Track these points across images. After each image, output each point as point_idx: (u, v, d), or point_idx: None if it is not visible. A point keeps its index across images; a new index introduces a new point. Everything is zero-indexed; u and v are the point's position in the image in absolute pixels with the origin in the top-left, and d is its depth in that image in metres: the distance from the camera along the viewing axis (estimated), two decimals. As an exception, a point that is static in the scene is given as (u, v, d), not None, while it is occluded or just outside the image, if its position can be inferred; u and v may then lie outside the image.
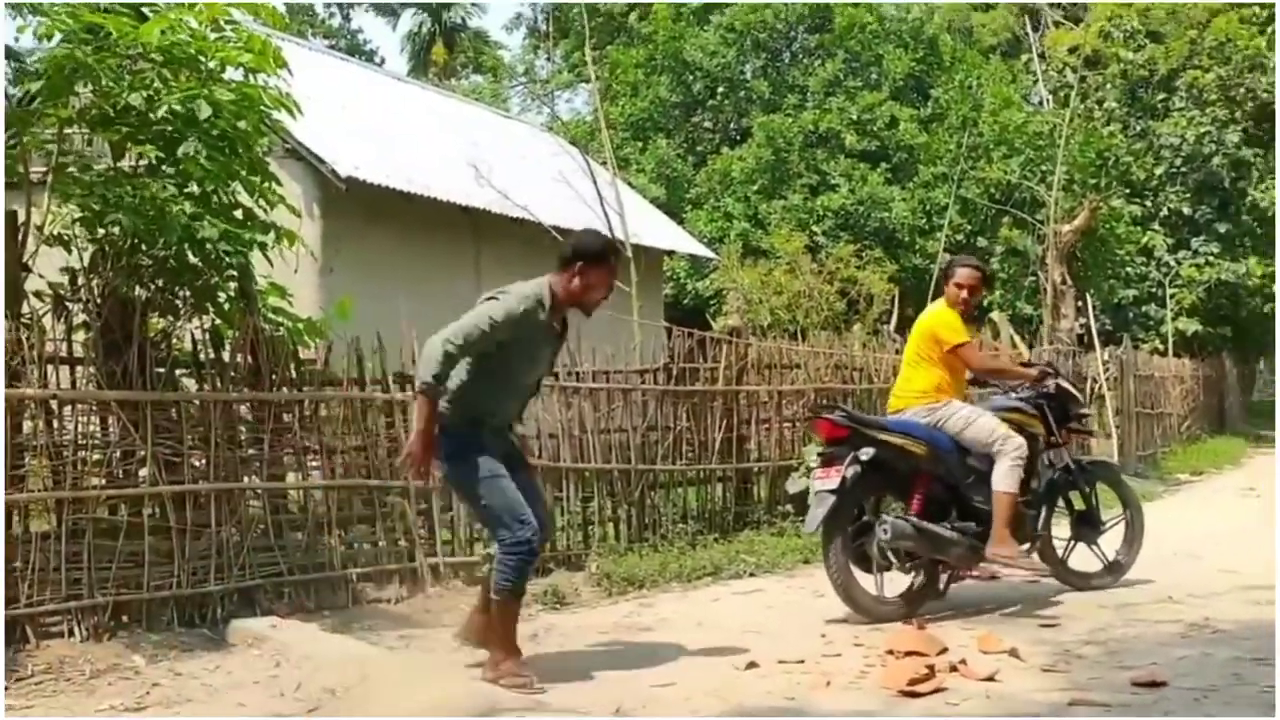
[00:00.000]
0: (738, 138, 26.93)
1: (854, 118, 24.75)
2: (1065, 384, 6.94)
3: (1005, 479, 6.18)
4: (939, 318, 6.51)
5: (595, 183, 10.31)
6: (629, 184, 21.29)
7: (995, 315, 17.23)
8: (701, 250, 20.29)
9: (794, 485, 9.02)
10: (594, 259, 4.85)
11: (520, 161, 15.80)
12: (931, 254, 21.68)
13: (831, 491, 5.95)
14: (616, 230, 10.18)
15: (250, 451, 6.18)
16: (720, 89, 26.54)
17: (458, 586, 6.79)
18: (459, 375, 4.71)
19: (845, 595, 6.01)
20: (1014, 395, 6.75)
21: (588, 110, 28.94)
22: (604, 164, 14.50)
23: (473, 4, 38.05)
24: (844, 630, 5.81)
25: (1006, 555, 6.18)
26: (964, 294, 6.52)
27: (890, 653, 5.05)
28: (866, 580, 6.09)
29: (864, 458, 5.98)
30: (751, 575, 7.63)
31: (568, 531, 7.59)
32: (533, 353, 4.87)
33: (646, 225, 16.95)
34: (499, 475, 4.71)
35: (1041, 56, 23.75)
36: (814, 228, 23.13)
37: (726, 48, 26.09)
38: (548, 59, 30.66)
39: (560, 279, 4.84)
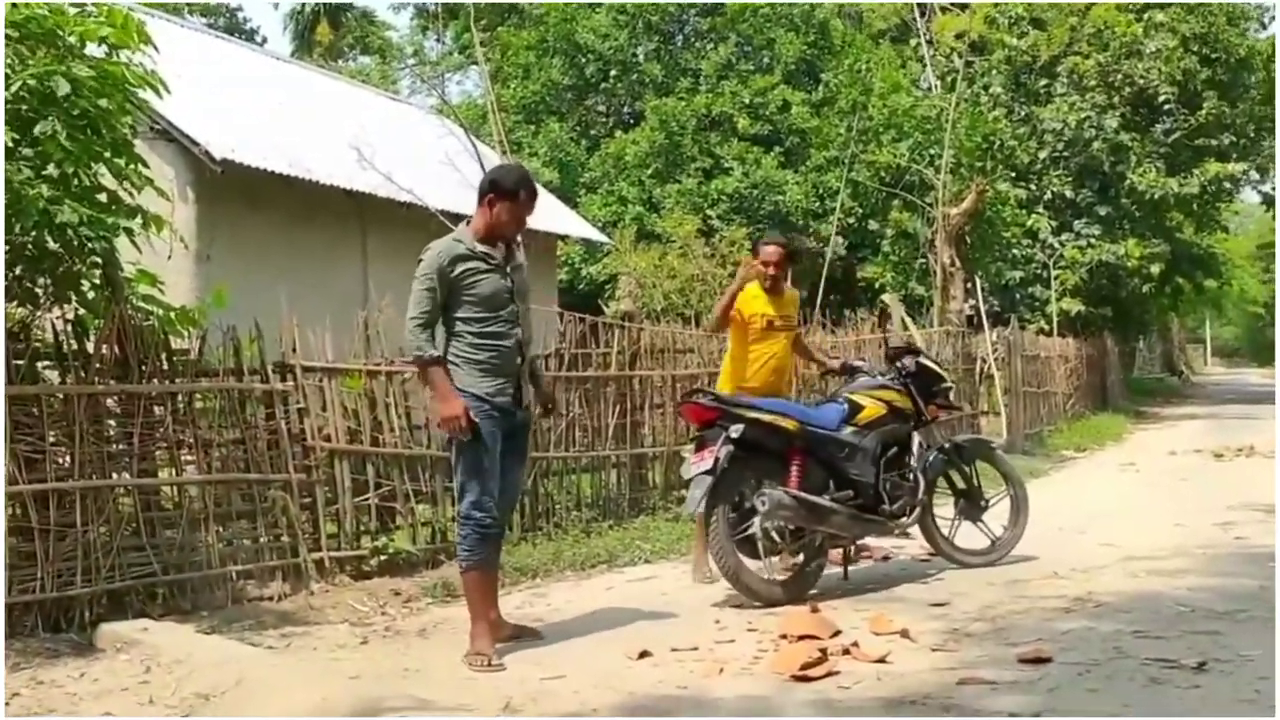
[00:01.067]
0: (631, 121, 26.85)
1: (746, 101, 24.83)
2: (927, 361, 7.05)
3: None
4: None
5: (482, 165, 10.10)
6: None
7: (887, 296, 17.46)
8: (595, 235, 20.17)
9: (689, 470, 9.02)
10: (505, 192, 5.12)
11: (408, 145, 15.48)
12: (825, 237, 21.88)
13: (707, 473, 5.93)
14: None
15: (119, 447, 5.89)
16: (613, 72, 26.40)
17: (344, 582, 6.61)
18: (455, 346, 5.08)
19: (733, 579, 5.99)
20: (880, 376, 6.86)
21: (479, 93, 28.58)
22: (495, 147, 14.29)
23: (359, -18, 37.25)
24: (738, 615, 5.78)
25: None
26: (769, 270, 6.77)
27: (783, 637, 5.04)
28: (756, 565, 6.07)
29: (734, 435, 5.99)
30: (646, 562, 7.57)
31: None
32: (485, 289, 5.06)
33: (539, 209, 16.74)
34: (485, 452, 5.06)
35: (929, 42, 24.11)
36: (708, 211, 23.16)
37: (619, 30, 25.96)
38: (437, 40, 30.17)
39: (478, 214, 5.16)
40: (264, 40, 35.70)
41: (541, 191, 20.19)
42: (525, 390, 5.30)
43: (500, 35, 26.58)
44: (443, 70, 27.65)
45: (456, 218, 10.63)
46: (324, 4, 36.14)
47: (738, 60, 25.71)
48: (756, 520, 6.02)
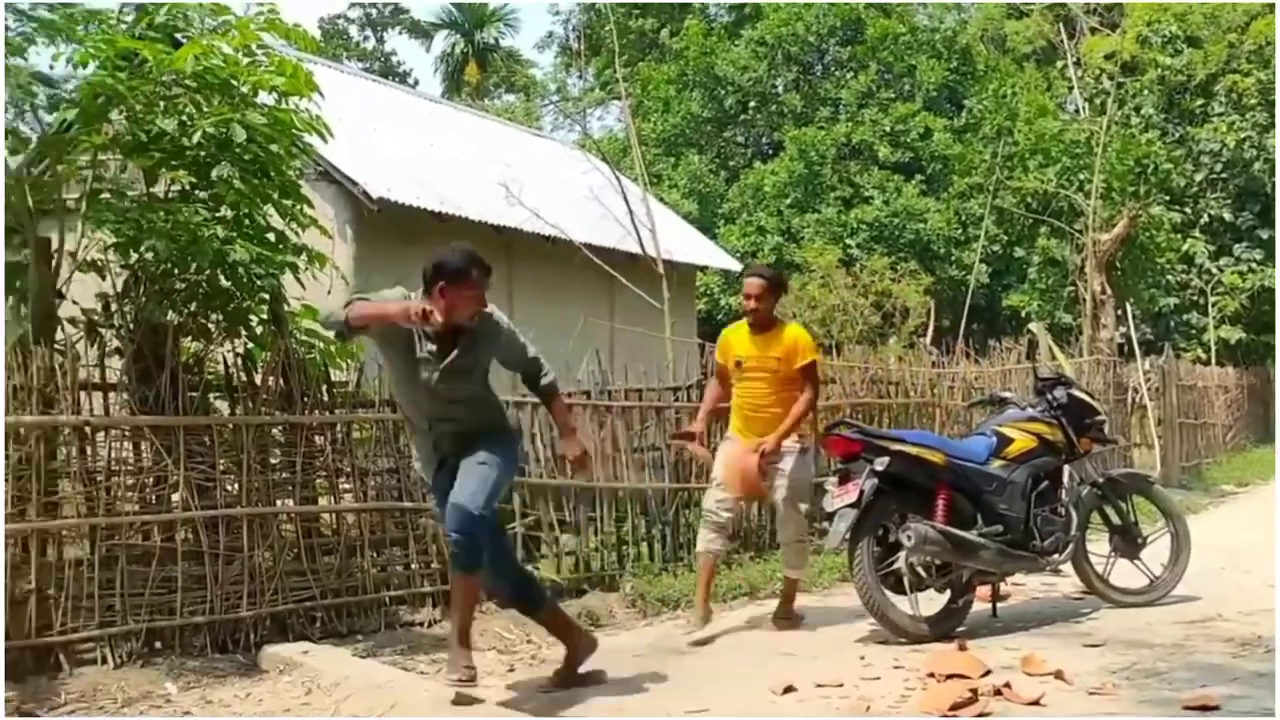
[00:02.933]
0: (770, 152, 26.88)
1: (887, 129, 24.63)
2: (1078, 392, 6.84)
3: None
4: None
5: (626, 199, 10.27)
6: (661, 200, 21.25)
7: (1034, 326, 17.01)
8: (734, 265, 20.22)
9: (832, 503, 8.95)
10: (454, 276, 4.67)
11: (553, 180, 15.80)
12: (968, 265, 21.50)
13: (851, 506, 5.89)
14: (648, 246, 10.12)
15: (283, 475, 6.16)
16: (752, 103, 26.49)
17: (490, 609, 6.73)
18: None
19: (878, 614, 5.93)
20: (1029, 408, 6.69)
21: (619, 127, 28.99)
22: (636, 180, 14.49)
23: (505, 24, 38.16)
24: (883, 652, 5.70)
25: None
26: (749, 304, 6.47)
27: (931, 675, 4.95)
28: (901, 601, 5.99)
29: (879, 468, 5.94)
30: (789, 595, 7.52)
31: (601, 552, 7.54)
32: (403, 366, 4.75)
33: (679, 241, 16.89)
34: (432, 486, 5.03)
35: (1077, 64, 23.53)
36: (848, 241, 23.00)
37: (758, 62, 26.05)
38: (579, 77, 30.75)
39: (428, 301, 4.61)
40: (416, 82, 36.89)
41: (680, 222, 20.25)
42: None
43: (641, 70, 26.94)
44: (584, 106, 28.17)
45: (600, 251, 10.90)
46: (472, 46, 37.27)
47: (878, 88, 25.51)
48: (902, 555, 5.95)
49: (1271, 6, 23.04)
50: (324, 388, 6.41)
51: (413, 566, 6.61)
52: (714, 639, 6.17)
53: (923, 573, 5.99)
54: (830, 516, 6.20)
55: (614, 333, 11.37)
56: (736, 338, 6.58)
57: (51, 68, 5.71)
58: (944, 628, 5.99)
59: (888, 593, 5.97)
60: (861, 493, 5.90)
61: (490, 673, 5.49)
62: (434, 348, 4.72)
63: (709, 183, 25.43)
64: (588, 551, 7.41)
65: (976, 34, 27.55)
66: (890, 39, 25.69)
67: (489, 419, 4.95)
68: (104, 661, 5.21)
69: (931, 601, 6.10)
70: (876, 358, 10.76)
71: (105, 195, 5.79)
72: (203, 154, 5.65)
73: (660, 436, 8.04)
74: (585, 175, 12.38)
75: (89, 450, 5.46)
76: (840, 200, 24.17)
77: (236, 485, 5.88)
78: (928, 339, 16.04)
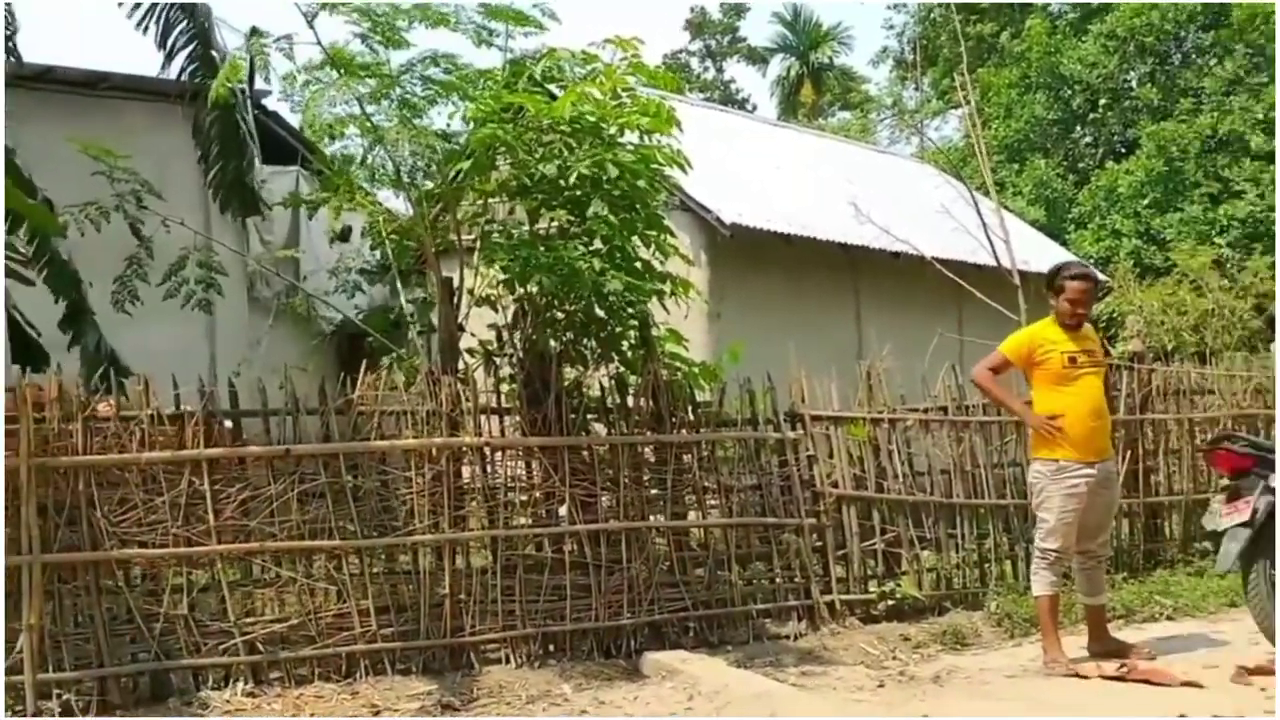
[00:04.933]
0: (1123, 150, 25.37)
1: (1260, 117, 22.66)
2: None
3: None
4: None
5: (979, 210, 10.06)
6: (1006, 207, 20.57)
7: None
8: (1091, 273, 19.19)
9: (1211, 522, 8.36)
10: None
11: (895, 194, 15.67)
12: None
13: (1243, 525, 5.51)
14: (1003, 258, 9.88)
15: (654, 491, 6.52)
16: (1102, 101, 25.13)
17: (853, 624, 6.82)
18: None
19: (1283, 644, 5.50)
20: None
21: (958, 137, 28.31)
22: (979, 189, 14.14)
23: (839, 43, 38.17)
24: (1285, 685, 5.29)
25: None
26: (1078, 310, 6.01)
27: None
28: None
29: (1275, 484, 5.51)
30: (1169, 619, 7.12)
31: (964, 569, 7.44)
32: None
33: (1031, 250, 16.29)
34: None
35: None
36: (1217, 240, 21.32)
37: (1107, 56, 24.67)
38: (915, 88, 30.32)
39: None
40: (754, 107, 37.54)
41: (1029, 230, 19.49)
42: None
43: (981, 76, 26.17)
44: (922, 118, 27.71)
45: (949, 264, 10.72)
46: (807, 67, 37.56)
47: (1247, 73, 23.53)
48: (1307, 579, 5.51)
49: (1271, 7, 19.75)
50: (689, 408, 6.73)
51: (777, 580, 6.80)
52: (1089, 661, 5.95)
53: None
54: (1216, 536, 5.84)
55: (963, 346, 11.12)
56: (1052, 333, 5.98)
57: (448, 125, 6.36)
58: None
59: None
60: (1255, 511, 5.52)
61: (860, 688, 5.57)
62: None
63: (1057, 187, 24.33)
64: (949, 569, 7.34)
65: (1364, 4, 24.82)
66: (1260, 18, 23.64)
67: None
68: (506, 661, 5.74)
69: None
70: (1260, 365, 9.95)
71: (495, 236, 6.37)
72: (578, 193, 6.09)
73: (1021, 452, 7.84)
74: (935, 190, 12.23)
75: (488, 468, 6.02)
76: (1207, 197, 22.46)
77: (613, 501, 6.29)
78: (1321, 343, 14.57)
